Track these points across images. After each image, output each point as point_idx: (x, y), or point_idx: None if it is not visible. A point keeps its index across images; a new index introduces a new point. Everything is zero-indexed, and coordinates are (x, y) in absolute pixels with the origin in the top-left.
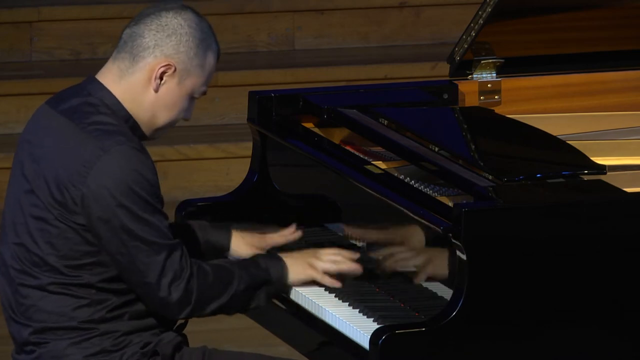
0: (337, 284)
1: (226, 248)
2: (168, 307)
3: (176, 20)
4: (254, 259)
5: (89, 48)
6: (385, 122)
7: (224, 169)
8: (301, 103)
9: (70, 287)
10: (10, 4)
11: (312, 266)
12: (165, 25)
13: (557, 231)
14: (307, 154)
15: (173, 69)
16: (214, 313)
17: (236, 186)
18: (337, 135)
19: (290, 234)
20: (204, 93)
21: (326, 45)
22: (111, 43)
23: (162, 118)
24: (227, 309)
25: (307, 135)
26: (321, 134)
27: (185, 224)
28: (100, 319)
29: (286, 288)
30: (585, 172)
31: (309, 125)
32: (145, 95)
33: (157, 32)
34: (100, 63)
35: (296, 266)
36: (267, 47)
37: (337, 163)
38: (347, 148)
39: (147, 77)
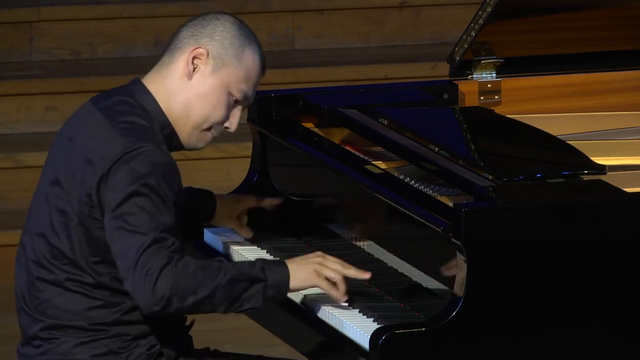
0: (342, 298)
1: (207, 214)
2: (143, 296)
3: (214, 16)
4: (251, 260)
5: (89, 48)
6: (385, 122)
7: (224, 169)
8: (301, 103)
9: (85, 285)
10: (10, 4)
11: (317, 273)
12: (203, 20)
13: (557, 231)
14: (307, 154)
15: (206, 53)
16: (198, 306)
17: (236, 186)
18: (337, 135)
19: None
20: (246, 97)
21: (326, 45)
22: (111, 43)
23: (197, 111)
24: (212, 303)
25: (307, 135)
26: (321, 134)
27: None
28: (113, 321)
29: (288, 293)
30: (585, 172)
31: (309, 125)
32: (180, 84)
33: (194, 26)
34: (100, 63)
35: (301, 272)
36: (267, 47)
37: (337, 163)
38: (347, 148)
39: (182, 66)
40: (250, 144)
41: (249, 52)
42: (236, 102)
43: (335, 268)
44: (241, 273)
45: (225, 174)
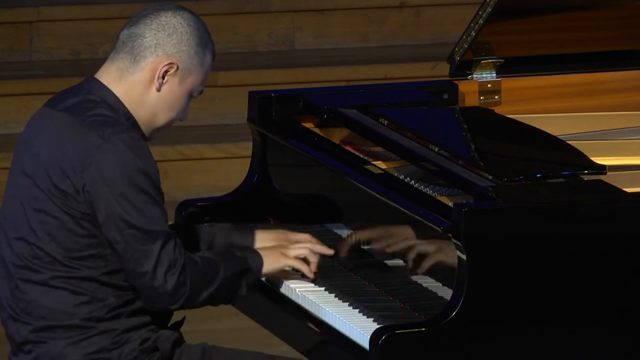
0: (311, 273)
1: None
2: (163, 297)
3: (175, 19)
4: (230, 250)
5: (89, 48)
6: (385, 122)
7: (224, 169)
8: (301, 103)
9: (71, 280)
10: (10, 4)
11: (285, 255)
12: (166, 24)
13: (557, 231)
14: (307, 154)
15: (175, 67)
16: (204, 303)
17: (236, 186)
18: (337, 135)
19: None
20: (201, 92)
21: (326, 45)
22: (111, 43)
23: (162, 118)
24: (214, 299)
25: (307, 135)
26: (321, 134)
27: (207, 228)
28: (99, 317)
29: (261, 277)
30: (585, 172)
31: (309, 125)
32: (147, 94)
33: (158, 31)
34: (100, 63)
35: (270, 257)
36: (267, 47)
37: (337, 163)
38: (347, 148)
39: (149, 76)
40: (250, 144)
41: (208, 55)
42: (191, 98)
43: (300, 247)
44: (235, 266)
45: (225, 174)
